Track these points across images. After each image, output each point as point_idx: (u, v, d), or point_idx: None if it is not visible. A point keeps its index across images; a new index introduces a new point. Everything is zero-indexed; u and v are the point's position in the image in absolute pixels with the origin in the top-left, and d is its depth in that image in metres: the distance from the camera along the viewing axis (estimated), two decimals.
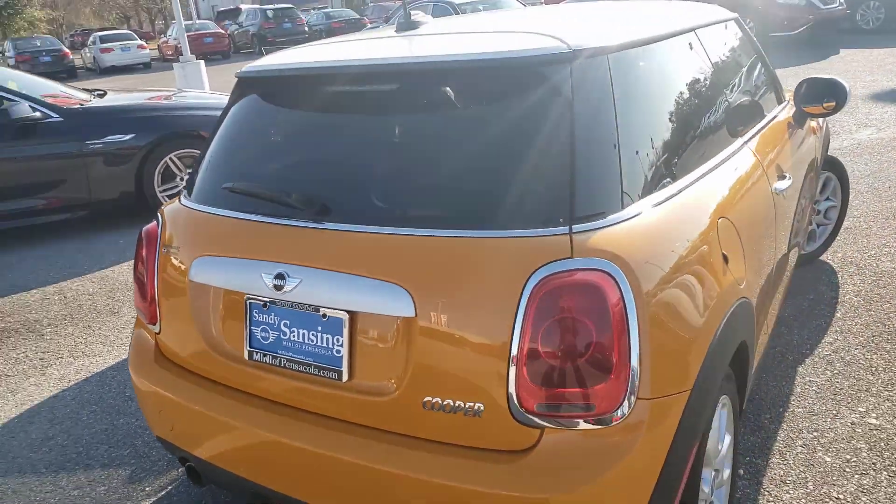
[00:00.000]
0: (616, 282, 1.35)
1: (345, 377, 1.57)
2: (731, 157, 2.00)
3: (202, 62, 12.69)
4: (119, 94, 6.07)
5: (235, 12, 33.81)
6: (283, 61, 1.88)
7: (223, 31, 28.43)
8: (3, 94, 5.12)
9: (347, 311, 1.54)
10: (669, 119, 1.79)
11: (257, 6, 33.20)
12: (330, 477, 1.57)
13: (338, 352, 1.57)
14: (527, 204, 1.45)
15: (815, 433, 2.40)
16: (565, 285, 1.36)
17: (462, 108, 1.58)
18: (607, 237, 1.41)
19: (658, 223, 1.52)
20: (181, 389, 1.85)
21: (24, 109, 5.01)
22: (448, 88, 1.55)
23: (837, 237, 4.03)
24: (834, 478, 2.18)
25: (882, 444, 2.31)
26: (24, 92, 5.33)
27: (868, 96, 7.93)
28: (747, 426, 2.47)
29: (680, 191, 1.65)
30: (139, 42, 25.45)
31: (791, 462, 2.27)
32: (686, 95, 1.94)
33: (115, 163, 5.21)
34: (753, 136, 2.28)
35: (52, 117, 5.15)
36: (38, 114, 5.07)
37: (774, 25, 12.12)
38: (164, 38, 29.91)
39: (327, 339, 1.58)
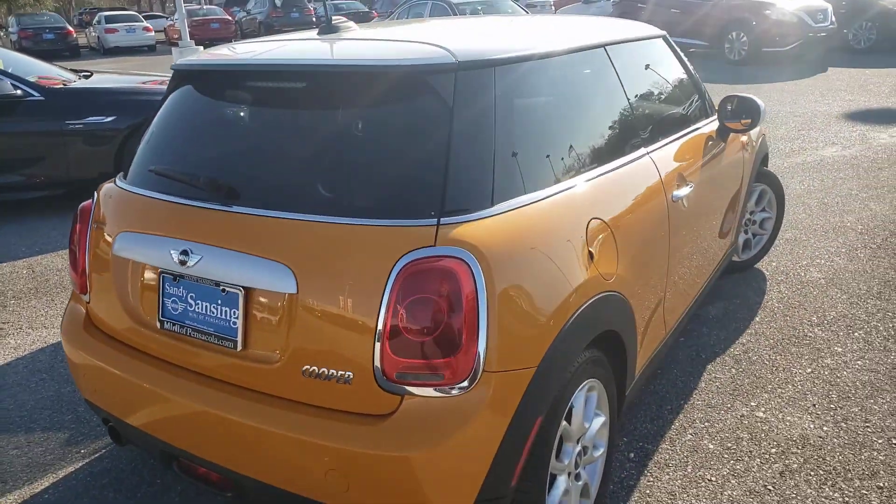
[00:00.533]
0: (470, 268, 1.53)
1: (239, 347, 1.74)
2: (624, 165, 2.16)
3: (200, 48, 12.84)
4: (105, 76, 6.23)
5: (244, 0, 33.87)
6: (210, 57, 2.05)
7: (230, 18, 28.52)
8: None
9: (243, 287, 1.71)
10: (554, 128, 1.96)
11: None
12: (223, 436, 1.75)
13: (234, 323, 1.74)
14: (402, 197, 1.63)
15: (706, 423, 2.58)
16: (425, 270, 1.53)
17: (353, 109, 1.75)
18: (469, 230, 1.58)
19: (522, 220, 1.69)
20: (104, 355, 2.02)
21: (4, 87, 5.17)
22: (338, 90, 1.72)
23: (775, 247, 4.21)
24: (711, 462, 2.36)
25: (762, 435, 2.49)
26: (8, 70, 5.49)
27: (842, 115, 8.10)
28: (646, 415, 2.64)
29: (554, 193, 1.81)
30: (144, 24, 25.54)
31: (678, 448, 2.45)
32: (577, 107, 2.12)
33: (94, 143, 5.37)
34: (660, 146, 2.44)
35: (33, 96, 5.31)
36: (18, 91, 5.23)
37: (767, 41, 12.28)
38: (171, 22, 29.99)
39: (226, 311, 1.75)
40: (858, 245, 4.19)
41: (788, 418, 2.58)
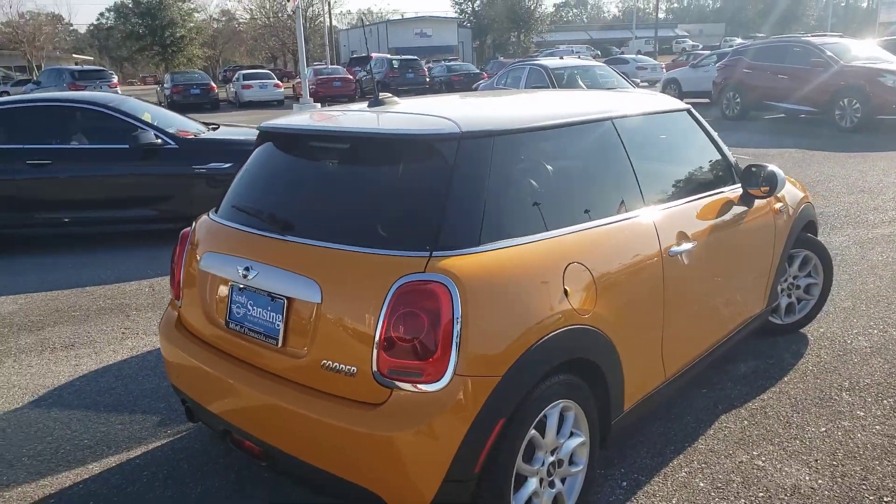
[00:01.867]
0: (450, 291, 1.94)
1: (280, 344, 2.22)
2: (617, 222, 2.50)
3: (318, 105, 14.04)
4: (228, 129, 7.18)
5: (366, 60, 36.20)
6: (285, 122, 2.62)
7: (351, 77, 30.57)
8: (137, 123, 6.29)
9: (286, 297, 2.21)
10: (544, 187, 2.36)
11: (386, 55, 35.46)
12: (263, 414, 2.23)
13: (277, 326, 2.23)
14: (404, 233, 2.08)
15: (703, 465, 2.79)
16: (415, 290, 1.96)
17: (378, 166, 2.25)
18: (454, 262, 2.00)
19: (503, 258, 2.09)
20: (186, 348, 2.57)
21: (149, 136, 6.14)
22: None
23: (828, 314, 4.29)
24: (697, 497, 2.59)
25: (754, 480, 2.68)
26: (155, 123, 6.51)
27: None
28: (648, 452, 2.89)
29: (536, 240, 2.20)
30: (275, 81, 27.92)
31: (669, 483, 2.69)
32: (570, 170, 2.51)
33: (213, 185, 6.21)
34: (664, 207, 2.76)
35: (170, 144, 6.26)
36: (159, 141, 6.19)
37: (882, 108, 11.96)
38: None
39: (273, 316, 2.25)
40: None
41: (786, 469, 2.75)
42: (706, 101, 17.04)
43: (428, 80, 29.75)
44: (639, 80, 22.28)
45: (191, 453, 2.99)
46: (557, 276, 2.20)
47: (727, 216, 3.13)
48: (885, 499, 2.55)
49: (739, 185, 3.30)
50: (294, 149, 2.54)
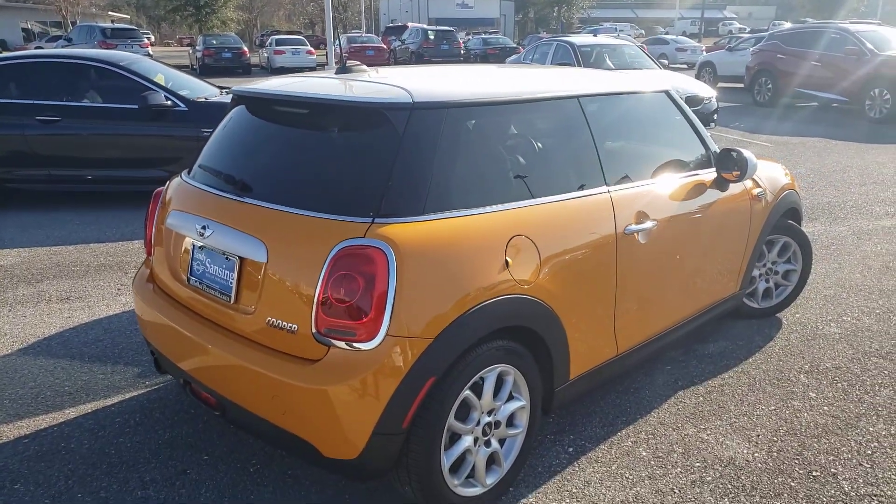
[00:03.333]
0: (385, 255, 2.03)
1: (232, 300, 2.34)
2: (571, 198, 2.56)
3: None
4: None
5: (402, 29, 36.06)
6: (253, 87, 2.71)
7: (385, 46, 30.50)
8: (148, 84, 6.42)
9: (238, 256, 2.32)
10: (494, 162, 2.42)
11: (422, 26, 35.29)
12: (215, 366, 2.35)
13: (230, 283, 2.34)
14: (350, 199, 2.16)
15: (649, 436, 2.88)
16: (353, 254, 2.05)
17: (330, 132, 2.33)
18: (394, 229, 2.08)
19: (445, 228, 2.17)
20: (154, 303, 2.70)
21: (159, 98, 6.28)
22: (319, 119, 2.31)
23: (807, 301, 4.31)
24: (637, 465, 2.67)
25: (694, 451, 2.76)
26: (168, 85, 6.63)
27: None
28: (600, 422, 2.98)
29: (481, 213, 2.27)
30: (308, 48, 27.90)
31: (613, 451, 2.77)
32: (524, 146, 2.56)
33: None
34: (626, 186, 2.81)
35: (180, 107, 6.39)
36: (168, 102, 6.32)
37: None
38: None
39: (227, 274, 2.36)
40: None
41: (727, 442, 2.83)
42: (741, 85, 16.73)
43: (463, 52, 29.53)
44: (667, 62, 21.89)
45: (164, 403, 3.14)
46: (499, 248, 2.27)
47: (697, 198, 3.16)
48: (814, 473, 2.62)
49: (714, 169, 3.33)
50: (259, 113, 2.63)
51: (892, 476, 2.61)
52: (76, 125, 6.26)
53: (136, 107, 6.26)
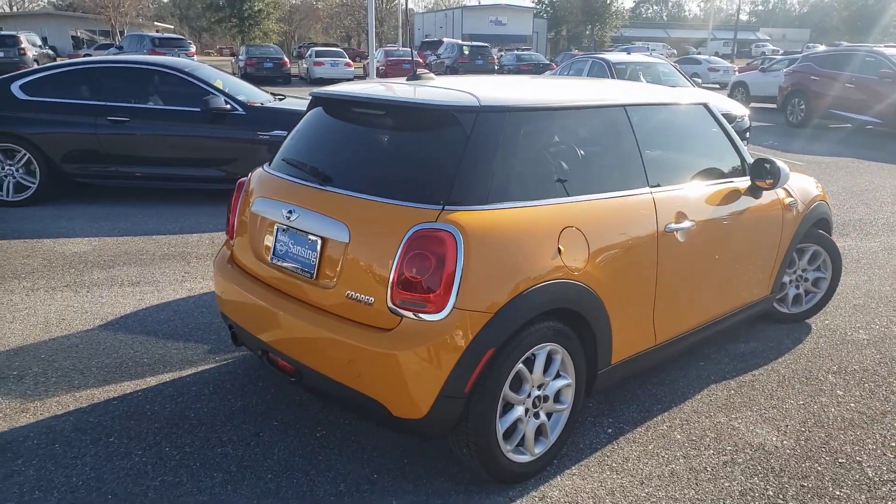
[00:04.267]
0: (455, 238, 2.30)
1: (314, 277, 2.62)
2: (618, 196, 2.81)
3: None
4: (293, 100, 7.65)
5: (438, 44, 36.62)
6: (332, 90, 3.01)
7: (421, 60, 31.03)
8: (209, 88, 6.81)
9: (321, 237, 2.60)
10: (552, 160, 2.69)
11: (458, 41, 35.80)
12: (295, 335, 2.64)
13: (313, 261, 2.63)
14: (423, 189, 2.44)
15: (684, 422, 3.09)
16: (425, 236, 2.33)
17: (407, 131, 2.61)
18: (462, 216, 2.36)
19: (506, 216, 2.43)
20: (235, 280, 3.00)
21: (219, 102, 6.66)
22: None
23: (836, 309, 4.48)
24: (672, 446, 2.89)
25: (726, 437, 2.97)
26: (225, 90, 7.02)
27: None
28: (637, 407, 3.20)
29: (538, 205, 2.54)
30: (346, 60, 28.54)
31: (650, 433, 3.00)
32: (578, 147, 2.82)
33: (276, 150, 6.68)
34: (667, 188, 3.05)
35: (238, 111, 6.77)
36: (228, 106, 6.70)
37: None
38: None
39: (309, 253, 2.65)
40: None
41: (757, 430, 3.03)
42: (773, 105, 16.81)
43: (497, 67, 29.93)
44: (700, 81, 21.99)
45: (235, 376, 3.44)
46: (553, 237, 2.53)
47: (731, 203, 3.38)
48: (840, 460, 2.81)
49: (748, 177, 3.55)
50: (338, 113, 2.93)
51: None
52: (144, 125, 6.66)
53: (199, 109, 6.64)
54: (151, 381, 3.38)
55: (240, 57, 28.51)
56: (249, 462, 2.74)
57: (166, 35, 30.49)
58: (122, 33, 37.15)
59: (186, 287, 4.67)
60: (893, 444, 2.94)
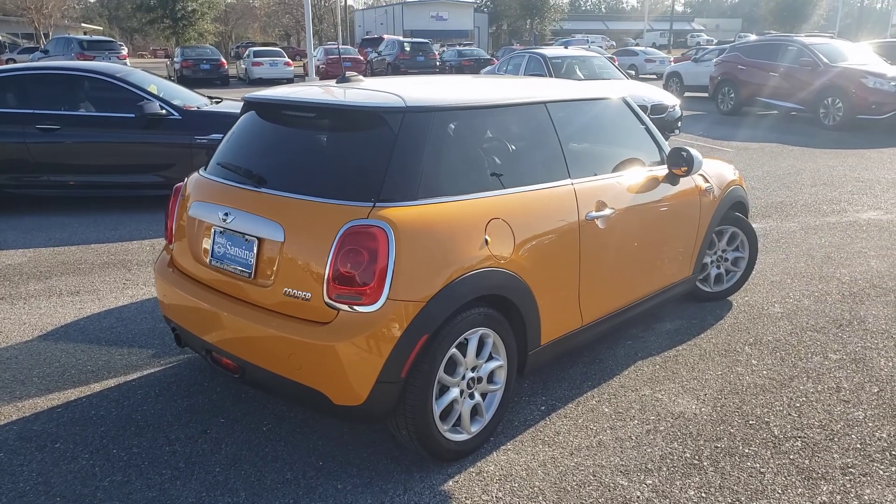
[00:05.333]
0: (387, 234, 2.44)
1: (252, 276, 2.72)
2: (540, 189, 2.99)
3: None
4: (230, 103, 7.65)
5: (378, 41, 36.55)
6: (263, 94, 3.10)
7: (361, 58, 30.93)
8: (143, 94, 6.77)
9: (257, 237, 2.71)
10: (475, 156, 2.85)
11: (398, 38, 35.82)
12: (236, 333, 2.73)
13: (250, 261, 2.73)
14: (354, 187, 2.57)
15: (612, 396, 3.30)
16: (357, 232, 2.46)
17: (336, 132, 2.74)
18: (393, 212, 2.49)
19: (434, 211, 2.58)
20: (176, 283, 3.07)
21: (154, 107, 6.63)
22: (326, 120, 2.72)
23: (756, 285, 4.79)
24: (600, 419, 3.10)
25: (650, 408, 3.19)
26: (160, 94, 6.98)
27: None
28: (568, 385, 3.40)
29: (465, 199, 2.69)
30: (286, 59, 28.26)
31: (580, 409, 3.20)
32: (501, 143, 2.99)
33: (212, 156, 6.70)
34: (587, 179, 3.24)
35: (174, 115, 6.75)
36: (163, 111, 6.68)
37: (863, 108, 12.38)
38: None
39: (246, 253, 2.75)
40: (833, 291, 4.70)
41: (679, 400, 3.27)
42: (706, 95, 17.42)
43: (438, 63, 30.07)
44: (636, 73, 22.66)
45: (179, 378, 3.51)
46: (480, 228, 2.69)
47: (650, 191, 3.61)
48: (750, 422, 3.06)
49: (665, 165, 3.78)
50: (270, 116, 3.03)
51: (815, 423, 3.07)
52: (75, 133, 6.58)
53: (133, 115, 6.60)
54: (96, 387, 3.42)
55: (175, 59, 27.91)
56: (198, 458, 2.82)
57: (95, 38, 29.61)
58: (46, 36, 35.89)
59: (128, 294, 4.68)
60: (798, 405, 3.21)
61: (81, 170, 6.66)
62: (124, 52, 26.49)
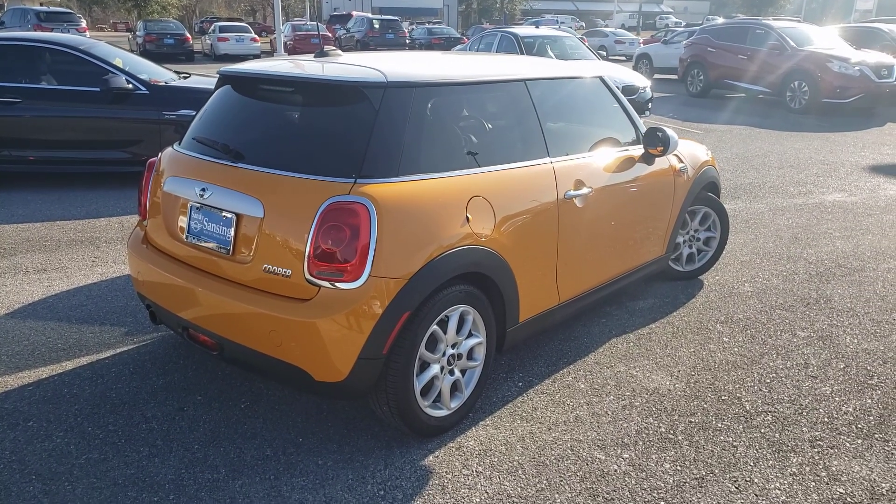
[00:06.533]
0: (368, 209, 2.42)
1: (230, 253, 2.69)
2: (521, 167, 3.00)
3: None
4: (199, 78, 7.49)
5: (347, 18, 36.06)
6: (240, 67, 3.04)
7: (330, 35, 30.50)
8: (108, 67, 6.59)
9: (235, 214, 2.67)
10: (457, 134, 2.84)
11: (367, 14, 35.37)
12: (215, 310, 2.70)
13: (228, 237, 2.69)
14: (336, 163, 2.54)
15: (587, 373, 3.35)
16: (340, 208, 2.44)
17: (316, 106, 2.70)
18: (374, 188, 2.48)
19: (416, 188, 2.57)
20: (150, 259, 3.02)
21: (120, 81, 6.46)
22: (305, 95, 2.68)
23: (726, 265, 4.88)
24: (576, 394, 3.14)
25: (625, 384, 3.25)
26: (126, 68, 6.80)
27: (868, 167, 8.52)
28: (545, 362, 3.44)
29: (447, 176, 2.69)
30: (252, 35, 27.73)
31: (556, 385, 3.24)
32: (482, 121, 2.99)
33: (183, 131, 6.54)
34: (565, 158, 3.26)
35: (141, 90, 6.58)
36: (130, 86, 6.51)
37: (828, 92, 12.60)
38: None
39: (224, 229, 2.71)
40: (801, 271, 4.81)
41: (653, 376, 3.33)
42: (675, 77, 17.57)
43: (408, 41, 29.82)
44: (606, 54, 22.76)
45: (154, 356, 3.46)
46: (461, 206, 2.69)
47: (627, 170, 3.64)
48: (723, 397, 3.14)
49: (642, 145, 3.81)
50: (247, 90, 2.98)
51: (785, 398, 3.15)
52: (38, 107, 6.38)
53: (98, 89, 6.42)
54: (68, 365, 3.36)
55: (138, 33, 27.22)
56: (176, 435, 2.80)
57: (53, 9, 28.62)
58: (1, 7, 34.67)
59: (98, 272, 4.59)
60: (768, 381, 3.29)
61: (43, 145, 6.47)
62: (83, 24, 25.74)
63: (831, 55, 12.75)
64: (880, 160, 8.91)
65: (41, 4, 43.56)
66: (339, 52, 3.13)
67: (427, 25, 35.20)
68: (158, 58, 23.31)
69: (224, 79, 3.11)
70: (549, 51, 12.14)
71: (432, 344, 2.71)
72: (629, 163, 3.67)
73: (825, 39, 13.77)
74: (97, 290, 4.29)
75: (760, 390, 3.21)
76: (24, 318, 3.86)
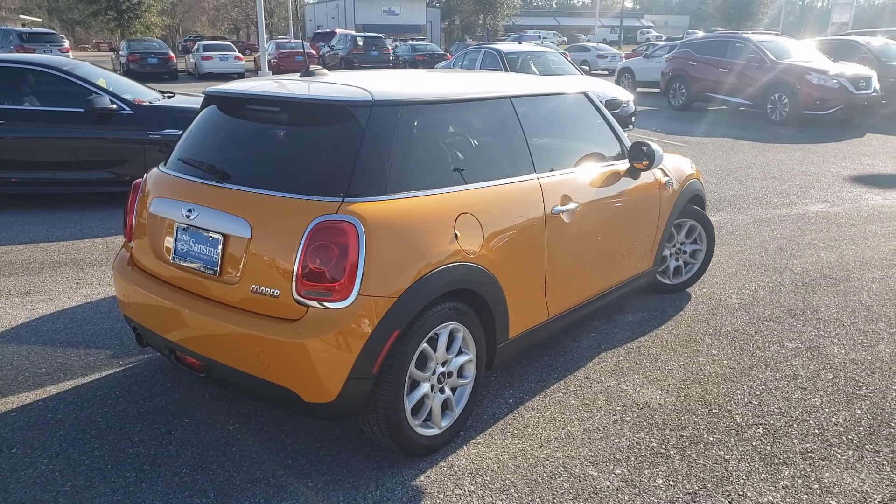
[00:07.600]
0: (356, 228, 2.42)
1: (218, 273, 2.67)
2: (508, 183, 3.00)
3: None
4: (183, 98, 7.47)
5: (331, 35, 36.19)
6: (226, 88, 3.04)
7: (314, 52, 30.60)
8: (92, 88, 6.56)
9: (222, 234, 2.65)
10: (443, 151, 2.84)
11: (351, 32, 35.52)
12: (202, 332, 2.67)
13: (215, 258, 2.67)
14: (323, 182, 2.54)
15: (578, 388, 3.34)
16: (328, 228, 2.43)
17: (303, 126, 2.70)
18: (362, 207, 2.47)
19: (404, 205, 2.56)
20: (136, 281, 2.99)
21: (104, 101, 6.43)
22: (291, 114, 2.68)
23: (713, 277, 4.90)
24: (567, 410, 3.13)
25: (616, 398, 3.24)
26: (110, 88, 6.78)
27: (849, 177, 8.62)
28: (535, 378, 3.42)
29: (434, 193, 2.69)
30: (236, 54, 27.77)
31: (547, 400, 3.23)
32: (468, 138, 3.00)
33: (167, 151, 6.53)
34: (552, 173, 3.26)
35: (125, 110, 6.56)
36: (114, 106, 6.48)
37: (807, 104, 12.77)
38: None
39: (211, 250, 2.69)
40: (787, 282, 4.85)
41: (643, 391, 3.33)
42: (657, 90, 17.74)
43: (392, 58, 29.98)
44: (588, 69, 22.99)
45: (140, 379, 3.42)
46: (450, 223, 2.69)
47: (612, 185, 3.65)
48: (713, 410, 3.14)
49: (627, 160, 3.84)
50: (233, 110, 2.97)
51: (775, 410, 3.16)
52: (20, 128, 6.33)
53: (82, 110, 6.39)
54: (52, 389, 3.31)
55: (121, 52, 27.15)
56: (163, 459, 2.76)
57: (36, 30, 28.54)
58: None
59: (82, 294, 4.54)
60: (758, 393, 3.30)
61: (27, 166, 6.42)
62: (66, 44, 25.62)
63: (810, 68, 12.93)
64: (861, 170, 9.03)
65: (24, 25, 43.40)
66: (325, 71, 3.13)
67: (410, 42, 35.39)
68: (142, 77, 23.30)
69: (210, 99, 3.11)
70: (532, 66, 12.23)
71: (422, 362, 2.70)
72: (615, 177, 3.69)
73: (804, 52, 13.98)
74: (82, 312, 4.23)
75: (751, 403, 3.22)
76: (6, 343, 3.80)
